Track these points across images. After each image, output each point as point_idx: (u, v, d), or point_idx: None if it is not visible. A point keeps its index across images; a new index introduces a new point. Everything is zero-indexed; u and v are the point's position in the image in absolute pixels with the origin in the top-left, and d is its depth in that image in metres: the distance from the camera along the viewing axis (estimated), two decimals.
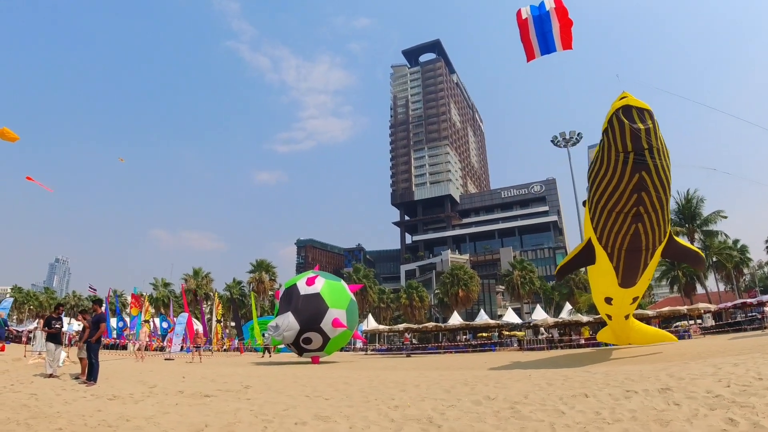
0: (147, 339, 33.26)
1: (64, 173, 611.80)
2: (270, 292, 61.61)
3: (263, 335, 36.52)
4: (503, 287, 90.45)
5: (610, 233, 12.56)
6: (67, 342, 34.30)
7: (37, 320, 37.65)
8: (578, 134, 59.68)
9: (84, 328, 11.92)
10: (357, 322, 25.83)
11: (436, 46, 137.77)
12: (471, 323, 38.75)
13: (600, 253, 13.63)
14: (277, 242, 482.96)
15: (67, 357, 13.89)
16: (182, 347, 29.91)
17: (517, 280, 62.90)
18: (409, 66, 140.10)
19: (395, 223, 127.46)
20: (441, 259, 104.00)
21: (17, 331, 45.55)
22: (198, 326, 36.97)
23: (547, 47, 13.04)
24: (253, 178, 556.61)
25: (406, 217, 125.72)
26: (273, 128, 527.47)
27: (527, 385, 9.12)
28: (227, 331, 47.84)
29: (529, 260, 77.76)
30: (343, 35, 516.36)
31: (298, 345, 22.09)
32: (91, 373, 10.72)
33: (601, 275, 14.93)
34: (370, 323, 52.78)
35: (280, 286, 66.95)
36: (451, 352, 35.29)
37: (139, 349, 28.89)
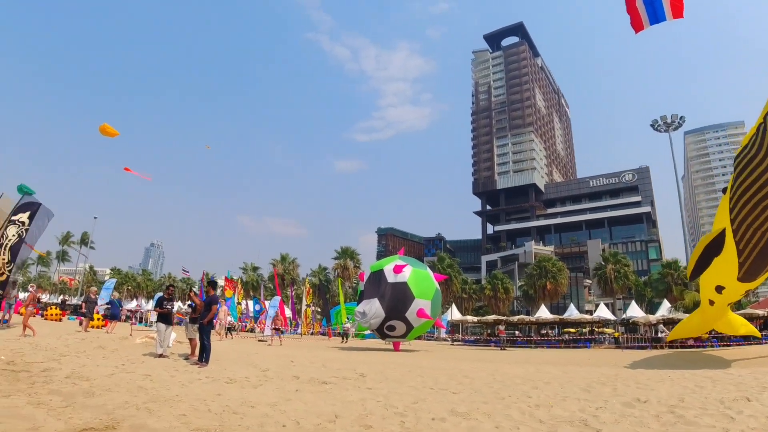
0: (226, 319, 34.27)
1: (157, 163, 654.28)
2: (354, 279, 62.02)
3: (348, 320, 36.82)
4: (590, 281, 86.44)
5: (750, 227, 11.03)
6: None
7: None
8: (681, 118, 55.19)
9: (194, 308, 11.79)
10: (440, 311, 25.32)
11: (518, 29, 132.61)
12: (565, 318, 36.72)
13: (729, 245, 12.02)
14: (358, 230, 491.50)
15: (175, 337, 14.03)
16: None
17: (610, 274, 59.40)
18: (490, 51, 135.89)
19: (476, 213, 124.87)
20: (524, 251, 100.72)
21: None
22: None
23: (656, 16, 11.41)
24: (333, 167, 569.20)
25: (488, 207, 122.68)
26: (353, 117, 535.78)
27: (674, 387, 8.25)
28: (317, 316, 48.62)
29: (621, 254, 73.11)
30: (421, 21, 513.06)
31: (382, 331, 22.29)
32: (202, 354, 10.52)
33: (721, 264, 13.51)
34: (455, 313, 51.83)
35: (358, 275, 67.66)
36: (543, 347, 33.76)
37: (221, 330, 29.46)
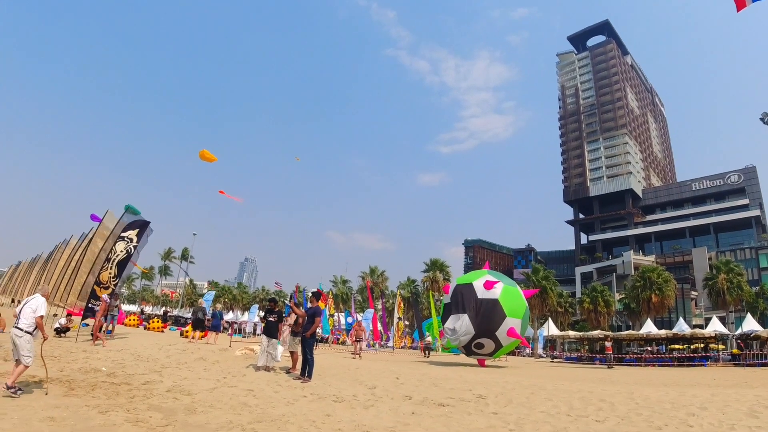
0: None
1: (250, 182, 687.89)
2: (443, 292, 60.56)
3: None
4: (697, 293, 79.18)
5: None
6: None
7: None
8: None
9: (296, 321, 11.16)
10: (527, 329, 23.87)
11: (605, 27, 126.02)
12: (677, 333, 33.28)
13: None
14: (444, 242, 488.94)
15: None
16: (368, 343, 29.82)
17: (723, 285, 53.69)
18: (576, 52, 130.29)
19: (569, 222, 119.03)
20: (622, 261, 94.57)
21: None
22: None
23: None
24: (417, 180, 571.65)
25: (581, 215, 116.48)
26: (435, 130, 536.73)
27: None
28: (407, 330, 47.70)
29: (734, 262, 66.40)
30: (501, 28, 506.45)
31: (469, 348, 21.20)
32: (305, 368, 9.80)
33: None
34: (551, 329, 48.89)
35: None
36: (654, 365, 30.73)
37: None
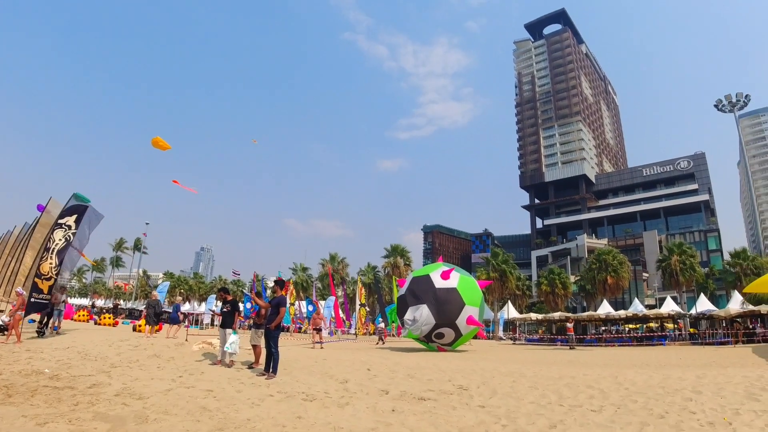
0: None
1: (203, 170, 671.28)
2: (406, 274, 60.34)
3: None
4: (648, 274, 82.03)
5: None
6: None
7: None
8: (746, 96, 51.42)
9: (258, 313, 10.42)
10: (483, 320, 24.22)
11: (561, 16, 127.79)
12: (638, 313, 34.10)
13: None
14: (403, 228, 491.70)
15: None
16: (330, 331, 29.19)
17: (676, 266, 55.49)
18: (533, 40, 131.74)
19: (525, 207, 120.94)
20: (576, 244, 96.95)
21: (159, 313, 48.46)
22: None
23: None
24: (376, 166, 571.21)
25: (537, 200, 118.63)
26: (393, 116, 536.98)
27: None
28: (369, 316, 47.24)
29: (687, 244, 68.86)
30: (460, 14, 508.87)
31: (429, 338, 21.09)
32: (269, 363, 9.12)
33: None
34: (511, 312, 49.47)
35: (408, 273, 65.93)
36: (614, 345, 31.39)
37: None
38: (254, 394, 7.22)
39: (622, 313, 35.12)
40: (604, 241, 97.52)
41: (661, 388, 7.89)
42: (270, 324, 9.38)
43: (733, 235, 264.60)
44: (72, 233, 15.17)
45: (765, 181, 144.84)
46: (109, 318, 31.13)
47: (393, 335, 38.02)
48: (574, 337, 30.46)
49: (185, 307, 51.28)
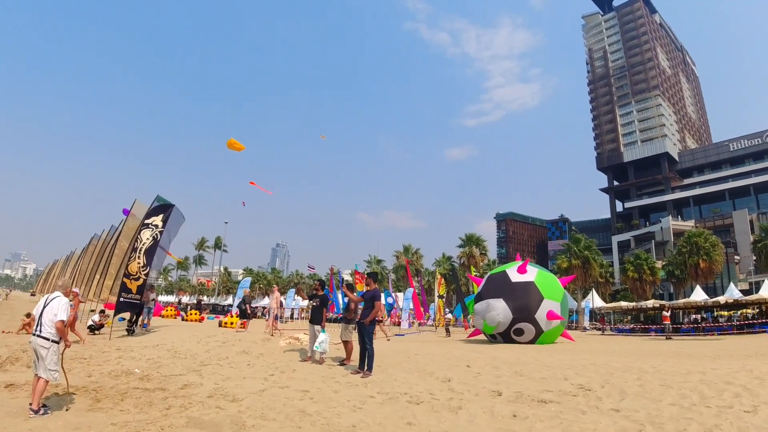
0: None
1: (277, 168, 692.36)
2: (482, 266, 58.83)
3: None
4: (740, 256, 75.76)
5: None
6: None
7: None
8: None
9: (347, 307, 9.90)
10: (568, 316, 22.78)
11: None
12: (741, 299, 31.34)
13: None
14: (475, 217, 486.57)
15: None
16: (409, 323, 28.68)
17: None
18: (602, 13, 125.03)
19: (603, 190, 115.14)
20: (660, 227, 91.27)
21: (252, 308, 49.81)
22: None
23: None
24: (444, 155, 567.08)
25: (615, 182, 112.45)
26: (459, 103, 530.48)
27: None
28: (449, 308, 46.42)
29: None
30: None
31: (507, 335, 19.87)
32: (363, 360, 8.56)
33: None
34: (596, 300, 47.09)
35: (486, 265, 64.33)
36: (713, 334, 28.87)
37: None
38: (353, 395, 6.66)
39: (721, 298, 32.23)
40: (691, 222, 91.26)
41: None
42: (365, 319, 8.82)
43: None
44: (159, 232, 15.36)
45: None
46: (195, 314, 32.04)
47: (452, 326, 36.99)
48: (670, 326, 28.27)
49: (265, 302, 52.54)
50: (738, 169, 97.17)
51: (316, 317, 10.36)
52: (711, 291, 53.77)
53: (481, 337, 22.59)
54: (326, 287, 12.62)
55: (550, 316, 19.58)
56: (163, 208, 16.28)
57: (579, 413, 5.53)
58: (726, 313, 39.47)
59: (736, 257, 77.12)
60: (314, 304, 10.53)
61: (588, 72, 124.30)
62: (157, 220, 15.66)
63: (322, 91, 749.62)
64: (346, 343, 9.85)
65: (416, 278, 49.79)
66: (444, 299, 38.26)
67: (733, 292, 35.80)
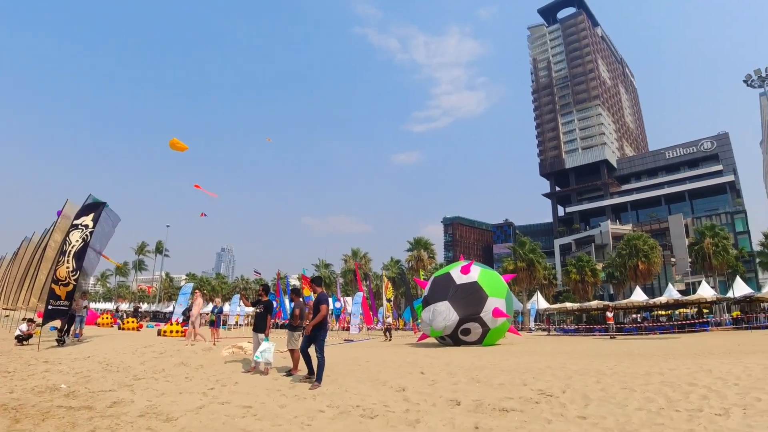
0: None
1: (221, 170, 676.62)
2: (429, 269, 59.15)
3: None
4: (675, 259, 79.79)
5: None
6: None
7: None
8: None
9: (293, 314, 9.35)
10: (513, 313, 23.13)
11: None
12: (682, 299, 32.64)
13: None
14: (422, 221, 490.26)
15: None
16: (358, 328, 28.22)
17: (709, 249, 53.41)
18: (547, 25, 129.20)
19: (545, 195, 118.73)
20: (600, 231, 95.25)
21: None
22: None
23: None
24: (392, 160, 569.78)
25: (557, 188, 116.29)
26: (408, 108, 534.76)
27: None
28: (397, 312, 46.20)
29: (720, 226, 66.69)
30: (471, 2, 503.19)
31: (455, 337, 19.86)
32: (312, 369, 8.08)
33: None
34: (541, 302, 48.11)
35: (434, 268, 64.72)
36: (655, 333, 29.99)
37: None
38: (301, 409, 6.13)
39: (662, 299, 33.56)
40: (629, 226, 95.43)
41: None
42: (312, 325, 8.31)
43: (757, 216, 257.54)
44: (89, 232, 14.26)
45: None
46: (133, 322, 30.46)
47: (398, 329, 36.88)
48: (614, 326, 29.16)
49: (208, 308, 50.72)
50: (673, 175, 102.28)
51: (260, 325, 9.68)
52: (649, 291, 56.11)
53: (432, 339, 22.47)
54: (272, 293, 11.83)
55: (496, 313, 19.70)
56: (92, 207, 15.13)
57: (544, 422, 5.26)
58: (665, 312, 41.12)
59: (672, 259, 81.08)
60: (258, 310, 9.87)
61: (532, 81, 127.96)
62: (87, 220, 14.55)
63: (268, 93, 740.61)
64: (293, 352, 9.22)
65: (365, 282, 49.48)
66: (392, 303, 38.10)
67: (672, 293, 37.39)
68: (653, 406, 5.73)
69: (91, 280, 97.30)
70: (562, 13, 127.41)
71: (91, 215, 14.64)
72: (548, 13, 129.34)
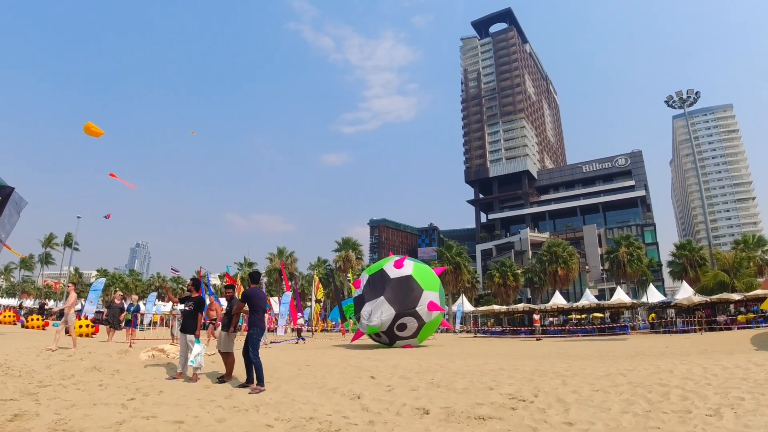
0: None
1: (139, 162, 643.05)
2: (357, 270, 58.72)
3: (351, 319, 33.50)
4: (589, 266, 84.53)
5: None
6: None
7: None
8: (696, 93, 53.21)
9: (228, 312, 8.45)
10: (445, 306, 23.35)
11: (507, 15, 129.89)
12: (604, 303, 34.24)
13: None
14: (348, 223, 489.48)
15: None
16: (286, 330, 27.22)
17: (624, 258, 56.72)
18: (479, 38, 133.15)
19: (470, 201, 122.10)
20: (519, 238, 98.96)
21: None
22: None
23: None
24: (320, 160, 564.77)
25: (481, 195, 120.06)
26: (338, 110, 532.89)
27: None
28: (323, 312, 45.20)
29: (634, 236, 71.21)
30: (407, 9, 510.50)
31: (392, 333, 19.77)
32: (251, 373, 7.30)
33: None
34: (466, 305, 48.91)
35: (362, 269, 64.36)
36: (578, 336, 31.28)
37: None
38: (244, 424, 5.31)
39: (586, 302, 35.10)
40: (546, 234, 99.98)
41: (742, 379, 6.76)
42: (253, 326, 7.53)
43: (664, 229, 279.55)
44: None
45: (696, 179, 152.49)
46: (38, 320, 27.71)
47: (326, 331, 36.16)
48: (540, 328, 30.07)
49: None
50: (589, 188, 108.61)
51: (190, 325, 8.56)
52: (566, 296, 58.82)
53: (364, 340, 22.01)
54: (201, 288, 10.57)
55: (431, 307, 19.76)
56: (1, 190, 13.39)
57: (530, 430, 4.85)
58: (580, 316, 43.04)
59: (586, 267, 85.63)
60: (187, 308, 8.76)
61: (462, 91, 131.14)
62: None
63: (194, 84, 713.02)
64: (227, 356, 8.32)
65: (291, 282, 48.20)
66: (321, 303, 37.24)
67: (589, 297, 39.28)
68: (637, 409, 5.49)
69: None
70: (494, 28, 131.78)
71: None
72: (481, 27, 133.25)
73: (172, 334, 19.05)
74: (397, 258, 21.48)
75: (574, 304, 35.51)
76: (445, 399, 6.25)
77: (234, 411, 5.94)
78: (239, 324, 8.73)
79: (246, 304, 8.11)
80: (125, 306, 18.94)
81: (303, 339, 25.85)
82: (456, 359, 11.63)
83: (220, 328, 8.83)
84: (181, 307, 9.84)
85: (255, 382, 7.38)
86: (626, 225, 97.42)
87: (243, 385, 7.59)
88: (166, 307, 38.97)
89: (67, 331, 12.20)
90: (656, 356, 12.46)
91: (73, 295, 12.57)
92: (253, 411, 5.90)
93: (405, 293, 19.70)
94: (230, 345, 8.27)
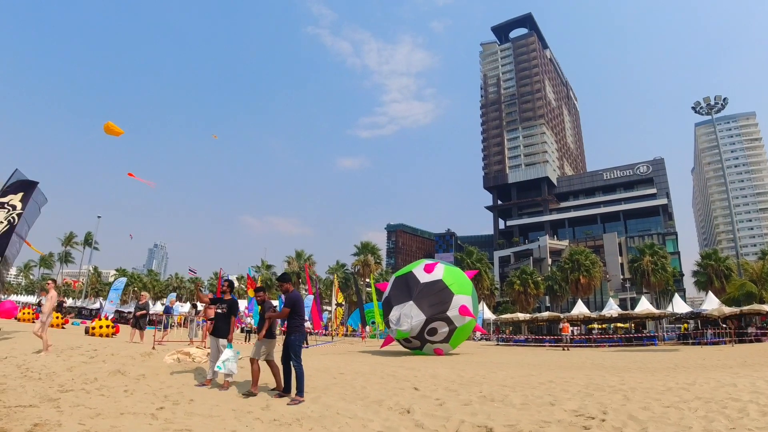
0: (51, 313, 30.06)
1: (159, 164, 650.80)
2: (375, 275, 58.20)
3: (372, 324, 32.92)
4: (609, 275, 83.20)
5: None
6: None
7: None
8: (724, 99, 51.92)
9: (261, 316, 7.92)
10: (478, 312, 22.68)
11: (527, 21, 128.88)
12: (632, 312, 33.39)
13: None
14: (364, 227, 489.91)
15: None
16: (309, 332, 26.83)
17: (648, 267, 55.46)
18: (499, 43, 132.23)
19: (488, 208, 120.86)
20: (538, 245, 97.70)
21: (125, 313, 44.50)
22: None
23: None
24: (336, 164, 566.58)
25: (500, 201, 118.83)
26: (355, 113, 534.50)
27: None
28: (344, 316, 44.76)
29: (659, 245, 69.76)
30: (425, 13, 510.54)
31: (422, 337, 19.15)
32: (288, 382, 6.73)
33: None
34: (486, 312, 48.17)
35: (380, 274, 63.86)
36: (605, 346, 30.42)
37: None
38: None
39: (612, 311, 34.23)
40: (565, 242, 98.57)
41: None
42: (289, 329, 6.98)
43: (686, 239, 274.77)
44: (17, 215, 12.20)
45: (718, 188, 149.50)
46: (57, 318, 27.54)
47: (345, 335, 35.74)
48: (568, 337, 29.31)
49: (130, 308, 47.39)
50: (610, 196, 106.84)
51: (222, 328, 8.08)
52: (585, 305, 57.72)
53: (394, 346, 21.52)
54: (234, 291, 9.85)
55: (463, 311, 19.17)
56: (24, 185, 13.08)
57: None
58: (600, 326, 42.03)
59: (606, 275, 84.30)
60: (220, 310, 8.25)
61: (481, 96, 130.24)
62: (15, 199, 12.52)
63: (214, 86, 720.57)
64: (253, 363, 7.68)
65: (315, 285, 47.88)
66: (342, 307, 36.74)
67: (612, 307, 38.28)
68: (720, 426, 4.87)
69: (13, 271, 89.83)
70: (515, 33, 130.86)
71: (20, 195, 12.60)
72: (501, 32, 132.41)
73: (190, 337, 18.69)
74: (428, 262, 21.02)
75: (600, 313, 34.57)
76: (505, 416, 5.64)
77: (275, 425, 5.38)
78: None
79: (288, 307, 7.50)
80: (148, 306, 18.61)
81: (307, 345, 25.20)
82: (494, 369, 10.98)
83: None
84: (201, 308, 9.32)
85: (294, 391, 6.84)
86: (647, 233, 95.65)
87: (280, 395, 7.05)
88: (184, 308, 38.74)
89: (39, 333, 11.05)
90: (699, 369, 11.74)
91: (53, 292, 11.50)
92: (296, 425, 5.34)
93: (435, 297, 19.19)
94: (263, 352, 7.70)
